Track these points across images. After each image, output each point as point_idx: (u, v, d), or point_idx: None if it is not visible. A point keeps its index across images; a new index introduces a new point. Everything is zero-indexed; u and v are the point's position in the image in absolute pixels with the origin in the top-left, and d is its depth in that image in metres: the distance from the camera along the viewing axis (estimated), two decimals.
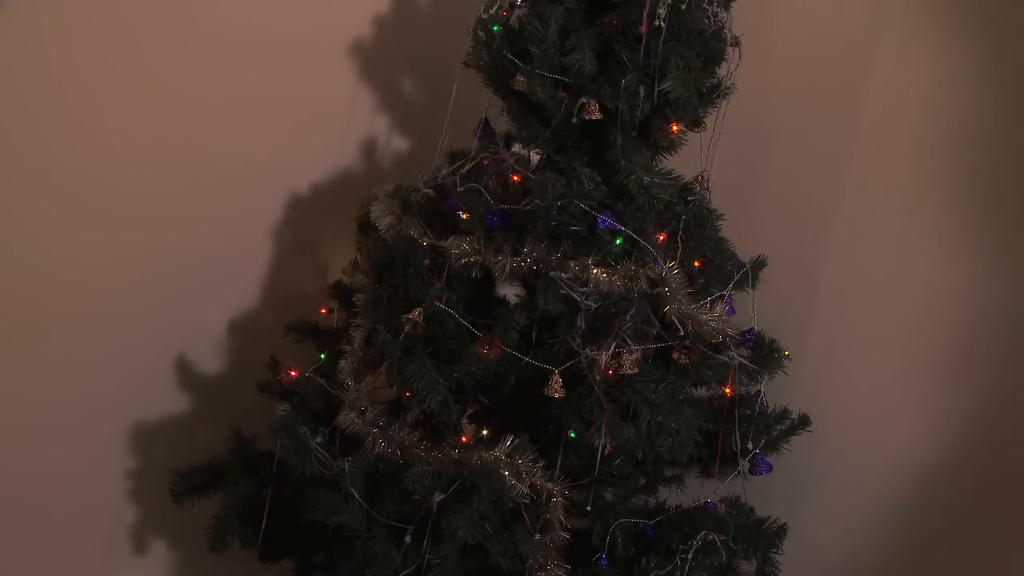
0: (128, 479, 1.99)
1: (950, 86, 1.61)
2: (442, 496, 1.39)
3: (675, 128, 1.52)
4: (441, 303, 1.48)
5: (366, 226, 1.66)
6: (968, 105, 1.58)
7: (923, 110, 1.65)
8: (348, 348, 1.59)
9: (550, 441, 1.54)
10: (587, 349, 1.47)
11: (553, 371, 1.46)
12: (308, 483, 1.51)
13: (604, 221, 1.46)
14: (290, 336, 1.78)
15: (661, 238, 1.58)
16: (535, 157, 1.58)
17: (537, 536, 1.42)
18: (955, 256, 1.60)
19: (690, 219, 1.63)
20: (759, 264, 1.68)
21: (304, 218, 2.02)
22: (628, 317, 1.46)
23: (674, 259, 1.53)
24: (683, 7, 1.43)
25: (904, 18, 1.69)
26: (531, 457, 1.45)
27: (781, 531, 1.65)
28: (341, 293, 1.76)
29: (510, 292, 1.55)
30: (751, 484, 1.63)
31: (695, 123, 1.57)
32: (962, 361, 1.58)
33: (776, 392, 1.66)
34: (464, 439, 1.51)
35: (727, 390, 1.58)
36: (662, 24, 1.41)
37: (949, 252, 1.61)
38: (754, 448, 1.60)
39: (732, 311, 1.60)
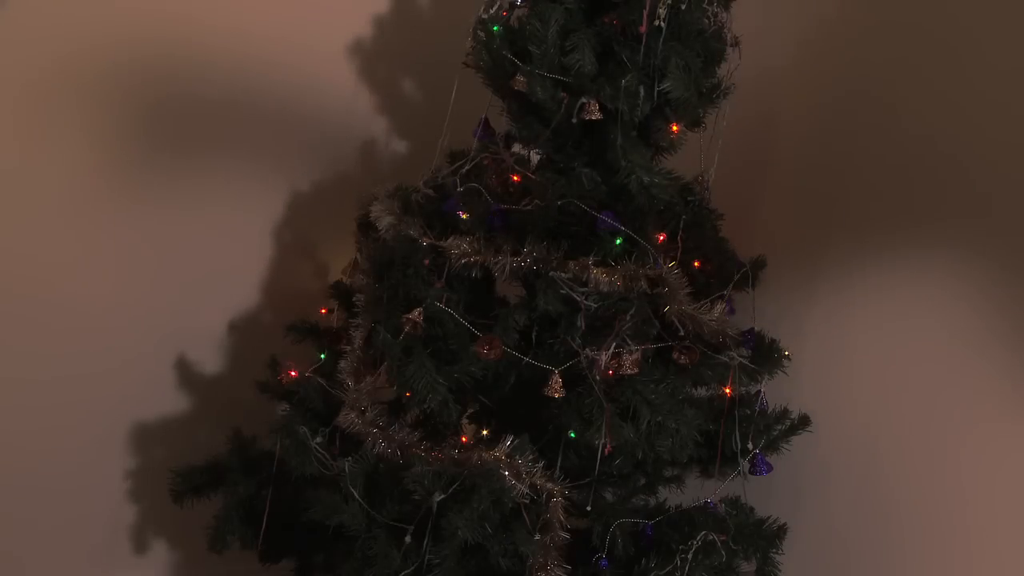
0: (128, 479, 1.99)
1: (952, 83, 1.61)
2: (442, 496, 1.39)
3: (675, 128, 1.53)
4: (441, 303, 1.48)
5: (366, 226, 1.66)
6: (972, 102, 1.58)
7: (923, 108, 1.65)
8: (348, 348, 1.59)
9: (550, 441, 1.54)
10: (587, 349, 1.47)
11: (553, 371, 1.46)
12: (308, 483, 1.51)
13: (604, 221, 1.46)
14: (290, 336, 1.78)
15: (661, 238, 1.58)
16: (535, 157, 1.58)
17: (537, 536, 1.42)
18: (956, 256, 1.60)
19: (690, 219, 1.63)
20: (759, 264, 1.68)
21: (304, 218, 2.02)
22: (628, 317, 1.47)
23: (674, 259, 1.53)
24: (683, 7, 1.43)
25: (902, 17, 1.69)
26: (531, 457, 1.45)
27: (781, 531, 1.65)
28: (341, 293, 1.76)
29: None
30: (751, 484, 1.63)
31: (695, 123, 1.57)
32: (962, 360, 1.58)
33: (776, 392, 1.66)
34: (464, 439, 1.50)
35: (727, 390, 1.58)
36: (662, 24, 1.41)
37: (950, 251, 1.61)
38: (754, 448, 1.60)
39: (732, 311, 1.60)
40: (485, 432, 1.50)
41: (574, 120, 1.47)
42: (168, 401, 1.99)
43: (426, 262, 1.52)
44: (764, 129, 1.92)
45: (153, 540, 2.03)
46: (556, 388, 1.46)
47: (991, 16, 1.53)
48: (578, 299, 1.46)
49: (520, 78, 1.47)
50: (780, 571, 1.64)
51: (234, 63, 1.87)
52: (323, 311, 1.80)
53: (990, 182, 1.53)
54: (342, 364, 1.58)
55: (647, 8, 1.41)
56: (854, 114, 1.77)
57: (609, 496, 1.65)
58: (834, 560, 1.77)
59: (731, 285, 1.60)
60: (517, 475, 1.43)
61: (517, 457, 1.44)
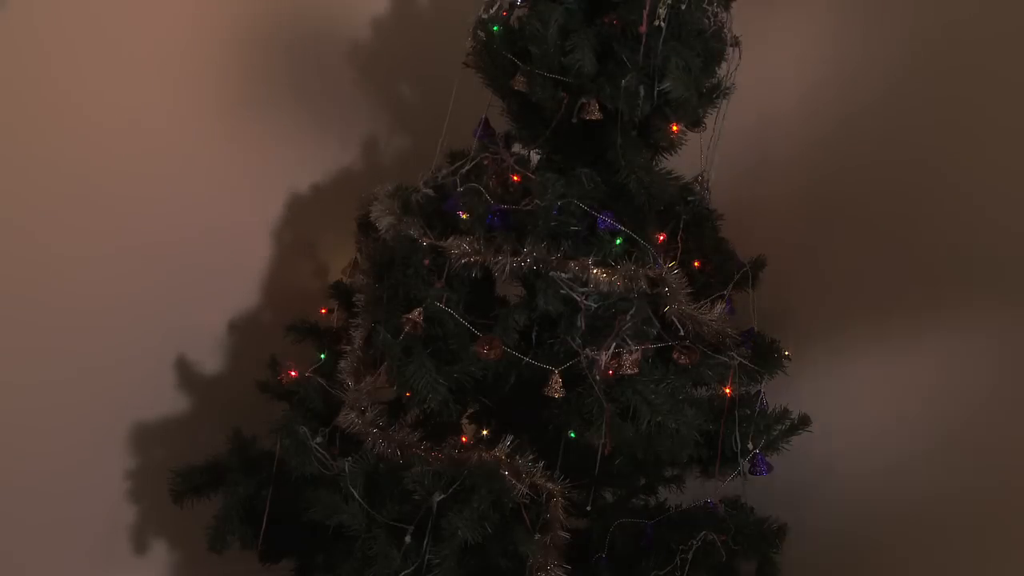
0: (128, 479, 1.98)
1: (952, 82, 1.61)
2: (442, 496, 1.39)
3: (675, 128, 1.52)
4: (441, 303, 1.48)
5: (366, 226, 1.67)
6: (972, 105, 1.58)
7: (923, 108, 1.65)
8: (348, 348, 1.59)
9: (550, 441, 1.54)
10: (587, 349, 1.46)
11: (553, 371, 1.46)
12: (308, 483, 1.51)
13: (604, 221, 1.46)
14: (290, 336, 1.78)
15: (661, 238, 1.58)
16: (535, 157, 1.58)
17: (537, 536, 1.42)
18: (956, 254, 1.60)
19: (690, 219, 1.63)
20: (759, 264, 1.68)
21: (304, 218, 2.02)
22: (628, 317, 1.46)
23: (674, 259, 1.53)
24: (683, 7, 1.43)
25: (902, 18, 1.69)
26: (531, 457, 1.45)
27: (781, 531, 1.65)
28: (341, 293, 1.76)
29: None
30: (751, 484, 1.63)
31: (695, 123, 1.57)
32: (962, 359, 1.58)
33: (776, 392, 1.66)
34: (464, 439, 1.51)
35: (727, 390, 1.58)
36: (662, 24, 1.41)
37: (950, 250, 1.61)
38: (754, 448, 1.60)
39: (732, 311, 1.60)
40: (485, 432, 1.50)
41: (574, 120, 1.47)
42: (168, 401, 1.99)
43: (426, 262, 1.52)
44: (764, 129, 1.92)
45: (153, 540, 2.03)
46: (556, 388, 1.46)
47: (990, 21, 1.53)
48: (578, 299, 1.46)
49: (520, 78, 1.47)
50: (780, 571, 1.64)
51: (234, 63, 1.87)
52: (323, 311, 1.80)
53: (989, 181, 1.54)
54: (342, 364, 1.58)
55: (647, 8, 1.41)
56: (854, 114, 1.77)
57: (609, 496, 1.65)
58: (834, 560, 1.77)
59: (731, 285, 1.60)
60: (517, 475, 1.43)
61: (517, 457, 1.44)
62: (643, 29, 1.41)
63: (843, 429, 1.76)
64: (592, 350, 1.46)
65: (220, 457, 1.72)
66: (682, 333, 1.49)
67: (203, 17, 1.83)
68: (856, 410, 1.75)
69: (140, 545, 2.02)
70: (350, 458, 1.49)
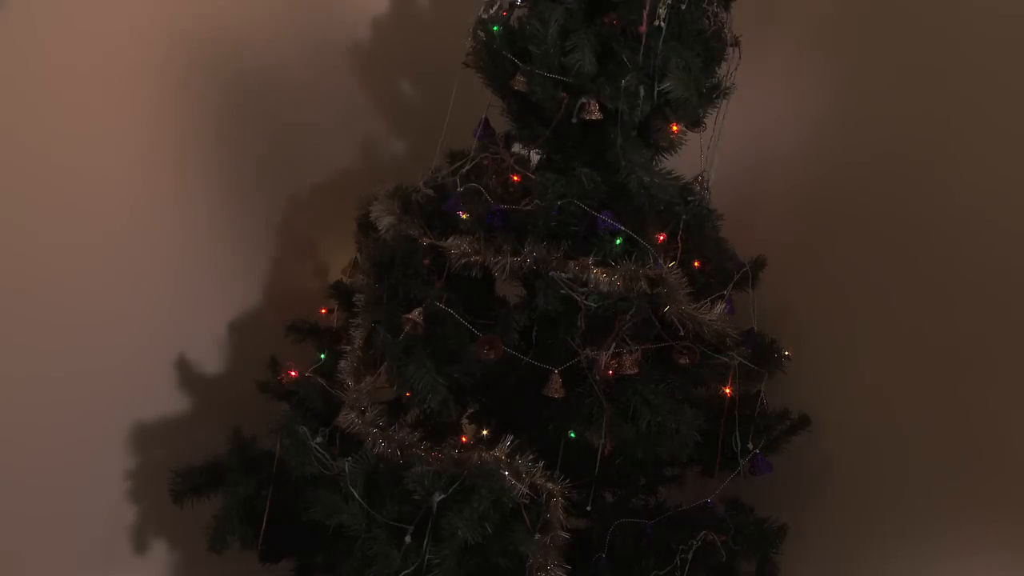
0: (128, 479, 1.99)
1: (951, 79, 1.61)
2: (442, 496, 1.39)
3: (675, 128, 1.52)
4: (441, 303, 1.48)
5: (366, 226, 1.67)
6: (970, 97, 1.58)
7: (923, 106, 1.65)
8: (348, 348, 1.59)
9: (550, 441, 1.54)
10: (587, 349, 1.47)
11: (553, 371, 1.46)
12: (308, 483, 1.51)
13: (604, 221, 1.46)
14: (290, 336, 1.78)
15: (661, 238, 1.58)
16: (535, 157, 1.58)
17: (537, 536, 1.42)
18: (956, 252, 1.60)
19: (690, 219, 1.63)
20: (759, 264, 1.68)
21: (304, 218, 2.02)
22: (628, 317, 1.46)
23: (674, 259, 1.53)
24: (683, 7, 1.43)
25: (902, 16, 1.69)
26: (531, 457, 1.45)
27: (781, 531, 1.65)
28: (341, 293, 1.76)
29: None
30: (751, 484, 1.63)
31: (695, 123, 1.57)
32: (962, 358, 1.58)
33: (776, 392, 1.66)
34: (464, 439, 1.51)
35: (727, 390, 1.58)
36: (662, 24, 1.41)
37: (950, 248, 1.61)
38: (754, 448, 1.60)
39: (732, 311, 1.60)
40: (485, 432, 1.50)
41: (574, 120, 1.47)
42: (168, 401, 1.99)
43: (426, 262, 1.52)
44: (764, 129, 1.92)
45: (153, 540, 2.03)
46: (556, 388, 1.46)
47: (991, 22, 1.53)
48: (578, 299, 1.46)
49: (520, 78, 1.47)
50: (780, 571, 1.64)
51: (235, 63, 1.87)
52: (323, 311, 1.80)
53: (990, 183, 1.53)
54: (342, 364, 1.58)
55: (647, 8, 1.41)
56: (854, 113, 1.77)
57: (609, 496, 1.65)
58: (834, 560, 1.77)
59: (731, 285, 1.60)
60: (517, 475, 1.43)
61: (517, 457, 1.44)
62: (643, 29, 1.41)
63: (843, 429, 1.76)
64: (592, 350, 1.46)
65: (220, 457, 1.72)
66: (682, 333, 1.49)
67: (203, 17, 1.83)
68: (856, 410, 1.75)
69: (140, 545, 2.02)
70: (350, 458, 1.48)
